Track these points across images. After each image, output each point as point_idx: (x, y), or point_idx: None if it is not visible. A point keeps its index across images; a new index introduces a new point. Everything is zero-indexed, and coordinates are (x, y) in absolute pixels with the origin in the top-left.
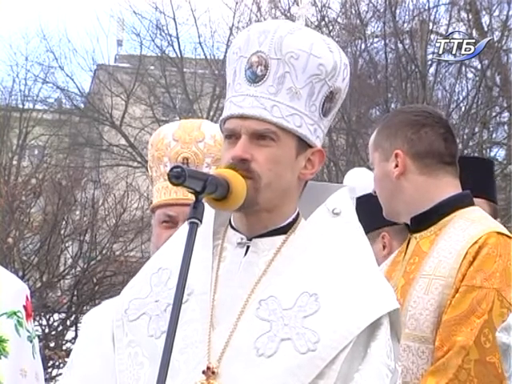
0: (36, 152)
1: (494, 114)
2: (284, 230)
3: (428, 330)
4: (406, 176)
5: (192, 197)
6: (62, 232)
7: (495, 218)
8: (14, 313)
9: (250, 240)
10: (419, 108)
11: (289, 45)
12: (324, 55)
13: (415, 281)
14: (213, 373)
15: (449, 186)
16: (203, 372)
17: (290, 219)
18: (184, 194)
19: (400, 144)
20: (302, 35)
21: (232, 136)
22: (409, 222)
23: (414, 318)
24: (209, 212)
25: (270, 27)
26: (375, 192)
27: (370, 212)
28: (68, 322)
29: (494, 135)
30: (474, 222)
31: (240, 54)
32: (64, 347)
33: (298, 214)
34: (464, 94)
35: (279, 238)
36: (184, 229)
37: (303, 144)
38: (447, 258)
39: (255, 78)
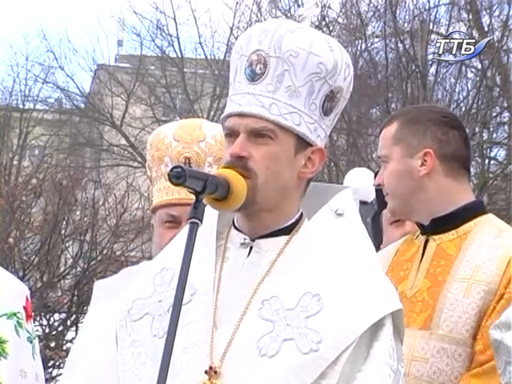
0: (36, 152)
1: (494, 114)
2: (287, 231)
3: (467, 334)
4: (430, 176)
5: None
6: (63, 232)
7: None
8: (14, 314)
9: (253, 240)
10: (445, 110)
11: (288, 43)
12: (324, 54)
13: (449, 284)
14: (215, 373)
15: (468, 191)
16: (205, 372)
17: (293, 220)
18: (187, 194)
19: (430, 143)
20: (303, 34)
21: (232, 134)
22: (424, 222)
23: (451, 321)
24: (212, 213)
25: (271, 26)
26: (379, 185)
27: None
28: (68, 322)
29: (494, 135)
30: (503, 230)
31: (241, 52)
32: (64, 347)
33: (302, 214)
34: (464, 93)
35: (282, 239)
36: (187, 229)
37: (303, 142)
38: (487, 264)
39: (254, 76)
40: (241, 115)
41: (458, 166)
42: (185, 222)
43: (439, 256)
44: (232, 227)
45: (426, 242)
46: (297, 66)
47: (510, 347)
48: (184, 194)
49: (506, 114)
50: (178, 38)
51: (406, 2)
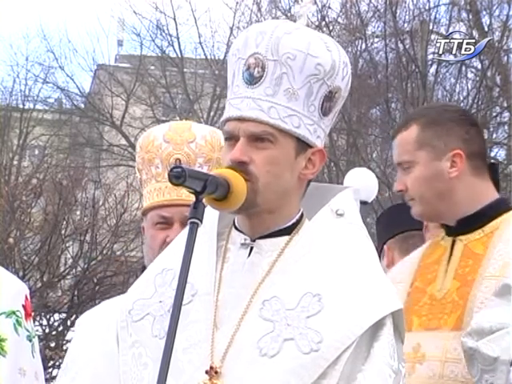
0: (36, 152)
1: (494, 114)
2: (288, 231)
3: None
4: (459, 177)
5: (186, 197)
6: (63, 232)
7: None
8: (13, 312)
9: (254, 241)
10: (458, 107)
11: (285, 45)
12: (321, 55)
13: (478, 282)
14: (216, 373)
15: (491, 188)
16: (206, 372)
17: (294, 220)
18: (178, 195)
19: (456, 144)
20: (299, 35)
21: (231, 138)
22: (450, 223)
23: None
24: (213, 213)
25: (267, 28)
26: (399, 191)
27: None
28: (68, 322)
29: (494, 135)
30: None
31: (238, 55)
32: (64, 347)
33: (302, 214)
34: (464, 93)
35: (283, 239)
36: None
37: (303, 144)
38: None
39: (252, 80)
40: (240, 119)
41: (481, 164)
42: (177, 223)
43: (467, 256)
44: (233, 228)
45: (453, 243)
46: (295, 69)
47: (485, 355)
48: (175, 195)
49: (506, 113)
50: (178, 38)
51: (406, 2)
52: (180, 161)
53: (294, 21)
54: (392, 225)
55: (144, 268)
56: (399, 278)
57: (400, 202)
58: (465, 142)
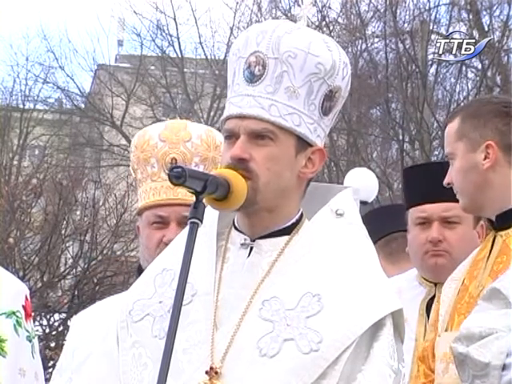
0: (37, 152)
1: None
2: (287, 231)
3: None
4: (494, 168)
5: (182, 197)
6: (63, 232)
7: (479, 219)
8: (13, 313)
9: (254, 241)
10: (506, 99)
11: (286, 44)
12: (322, 54)
13: None
14: (216, 373)
15: None
16: (206, 372)
17: (294, 220)
18: (174, 194)
19: (491, 135)
20: (300, 34)
21: (231, 136)
22: (492, 218)
23: None
24: (213, 213)
25: (268, 27)
26: (448, 184)
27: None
28: (68, 322)
29: None
30: None
31: (239, 54)
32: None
33: (302, 214)
34: (464, 93)
35: (282, 239)
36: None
37: (303, 143)
38: None
39: (253, 78)
40: (240, 117)
41: None
42: (173, 223)
43: (503, 252)
44: (232, 228)
45: (494, 238)
46: (295, 67)
47: (476, 361)
48: (172, 195)
49: None
50: (178, 38)
51: (406, 2)
52: (176, 160)
53: (294, 21)
54: (371, 232)
55: (140, 268)
56: (456, 276)
57: (377, 207)
58: (501, 133)
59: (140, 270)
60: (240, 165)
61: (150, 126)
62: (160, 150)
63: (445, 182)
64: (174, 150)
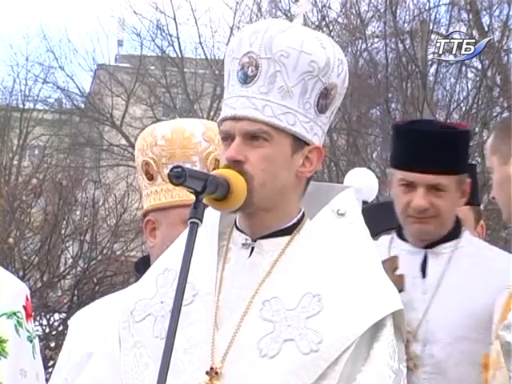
0: (36, 152)
1: (494, 114)
2: (289, 231)
3: None
4: None
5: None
6: (63, 232)
7: (479, 219)
8: (14, 313)
9: (255, 241)
10: None
11: (279, 43)
12: (315, 51)
13: None
14: (216, 373)
15: None
16: (207, 372)
17: (295, 220)
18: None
19: None
20: (293, 33)
21: (227, 138)
22: None
23: None
24: (215, 213)
25: (260, 27)
26: (493, 198)
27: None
28: (68, 322)
29: None
30: None
31: (233, 55)
32: None
33: (303, 214)
34: (464, 94)
35: (284, 239)
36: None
37: (299, 142)
38: None
39: (246, 79)
40: (235, 118)
41: None
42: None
43: None
44: (234, 228)
45: None
46: (288, 66)
47: None
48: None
49: (507, 114)
50: (178, 38)
51: (406, 2)
52: (148, 165)
53: (287, 20)
54: (369, 228)
55: (137, 267)
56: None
57: (375, 203)
58: None
59: (137, 269)
60: (235, 166)
61: (185, 121)
62: (137, 159)
63: (490, 196)
64: (144, 157)
